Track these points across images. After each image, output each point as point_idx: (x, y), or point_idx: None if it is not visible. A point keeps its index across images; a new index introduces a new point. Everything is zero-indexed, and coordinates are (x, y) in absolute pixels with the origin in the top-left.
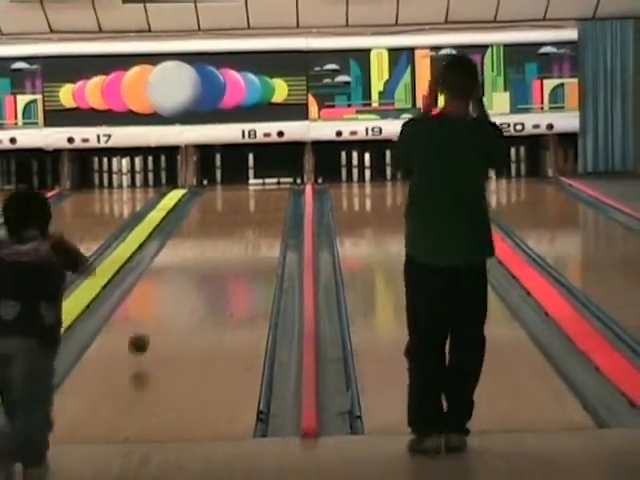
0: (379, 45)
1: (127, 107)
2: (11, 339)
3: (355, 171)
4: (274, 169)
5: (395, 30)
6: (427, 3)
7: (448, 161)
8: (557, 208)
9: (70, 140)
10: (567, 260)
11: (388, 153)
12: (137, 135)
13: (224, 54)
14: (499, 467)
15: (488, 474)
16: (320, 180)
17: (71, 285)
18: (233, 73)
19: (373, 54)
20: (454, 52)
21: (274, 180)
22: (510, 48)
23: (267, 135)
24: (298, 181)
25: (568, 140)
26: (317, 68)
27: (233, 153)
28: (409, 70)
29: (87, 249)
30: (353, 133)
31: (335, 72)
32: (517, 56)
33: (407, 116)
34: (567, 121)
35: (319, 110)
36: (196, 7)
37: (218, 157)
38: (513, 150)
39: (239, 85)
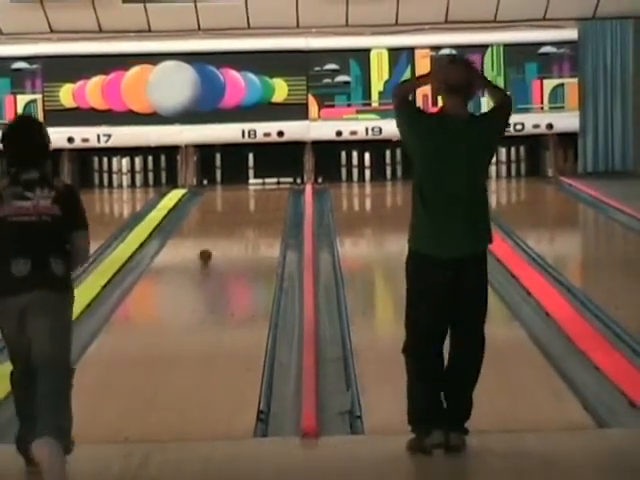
0: (379, 45)
1: (127, 107)
2: (27, 294)
3: (355, 171)
4: (274, 169)
5: (395, 30)
6: (427, 3)
7: (447, 160)
8: (557, 208)
9: (70, 140)
10: (567, 260)
11: (388, 153)
12: (137, 135)
13: (224, 54)
14: (499, 467)
15: (488, 474)
16: (320, 180)
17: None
18: (233, 73)
19: (373, 54)
20: (454, 52)
21: (274, 180)
22: (510, 48)
23: (267, 135)
24: (298, 181)
25: (568, 140)
26: (317, 68)
27: (233, 153)
28: (409, 70)
29: None
30: (353, 133)
31: (335, 72)
32: (517, 56)
33: None
34: (567, 121)
35: (319, 110)
36: (196, 7)
37: (218, 157)
38: (513, 150)
39: (239, 85)
